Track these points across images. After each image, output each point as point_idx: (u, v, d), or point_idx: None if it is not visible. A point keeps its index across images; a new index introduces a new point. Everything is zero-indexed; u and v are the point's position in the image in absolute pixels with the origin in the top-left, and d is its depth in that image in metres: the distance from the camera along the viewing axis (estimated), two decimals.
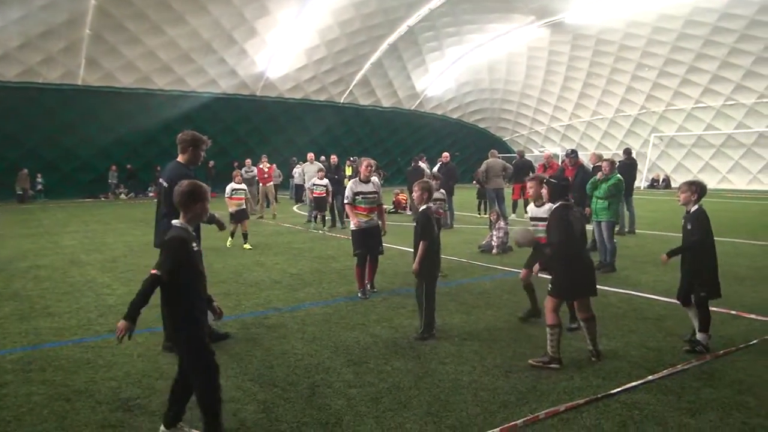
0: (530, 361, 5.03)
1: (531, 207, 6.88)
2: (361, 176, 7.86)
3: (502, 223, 11.46)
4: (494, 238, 11.31)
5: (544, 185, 5.81)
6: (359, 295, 7.63)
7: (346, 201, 7.88)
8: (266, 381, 4.73)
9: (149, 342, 5.72)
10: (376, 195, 7.82)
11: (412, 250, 6.07)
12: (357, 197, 7.71)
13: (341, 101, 36.96)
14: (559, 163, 14.62)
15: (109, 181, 30.34)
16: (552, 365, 4.93)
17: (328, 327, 6.27)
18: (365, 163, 7.99)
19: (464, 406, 4.22)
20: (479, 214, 18.52)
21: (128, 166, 30.62)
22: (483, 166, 15.01)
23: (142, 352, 5.44)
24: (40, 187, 28.26)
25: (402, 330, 6.14)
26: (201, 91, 31.26)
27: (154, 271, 3.34)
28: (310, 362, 5.17)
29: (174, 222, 3.71)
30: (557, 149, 37.00)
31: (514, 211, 17.38)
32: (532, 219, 6.73)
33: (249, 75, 31.61)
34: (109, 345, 5.67)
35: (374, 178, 8.01)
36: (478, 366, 5.04)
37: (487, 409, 4.18)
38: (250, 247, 11.81)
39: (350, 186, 7.87)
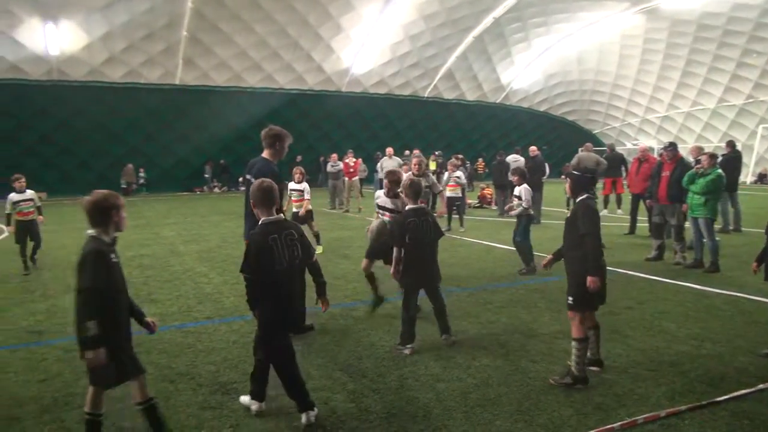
0: (551, 380, 4.54)
1: (381, 194, 6.93)
2: (414, 171, 8.34)
3: None
4: None
5: (567, 178, 5.32)
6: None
7: None
8: (355, 371, 4.81)
9: (243, 329, 5.96)
10: (426, 190, 8.35)
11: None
12: None
13: (425, 95, 36.85)
14: (656, 157, 13.91)
15: (205, 175, 31.89)
16: (577, 386, 4.42)
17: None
18: (415, 160, 8.49)
19: (556, 407, 4.11)
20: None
21: (221, 161, 32.01)
22: (574, 160, 14.52)
23: (237, 339, 5.68)
24: (142, 180, 30.10)
25: (489, 326, 6.06)
26: (289, 88, 32.13)
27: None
28: (397, 355, 5.21)
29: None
30: (653, 142, 35.19)
31: (605, 207, 16.69)
32: (380, 207, 6.87)
33: (335, 71, 32.17)
34: (207, 331, 5.96)
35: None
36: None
37: (581, 410, 4.04)
38: (321, 251, 10.23)
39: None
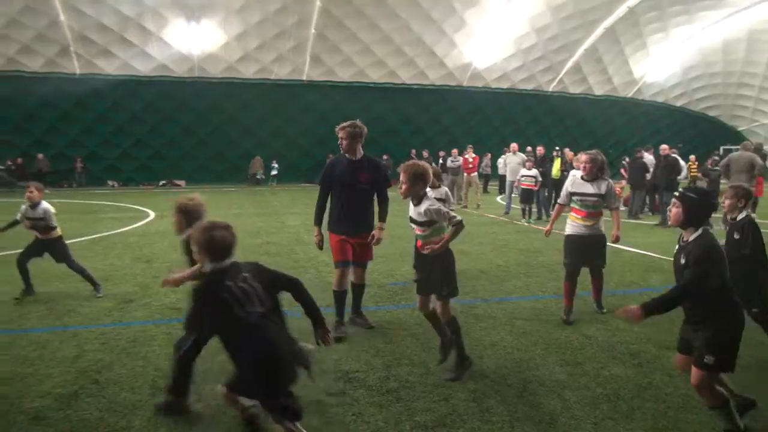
0: None
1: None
2: (584, 173, 6.27)
3: None
4: None
5: (678, 201, 3.54)
6: (562, 315, 6.14)
7: (559, 201, 6.69)
8: (476, 371, 4.70)
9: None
10: (597, 199, 6.19)
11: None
12: (573, 198, 6.33)
13: (550, 90, 35.56)
14: None
15: None
16: None
17: (538, 322, 6.05)
18: (585, 157, 6.28)
19: (699, 428, 3.76)
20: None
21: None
22: (725, 160, 13.33)
23: (358, 330, 5.78)
24: (275, 172, 31.34)
25: (619, 334, 5.69)
26: (410, 83, 32.34)
27: None
28: (520, 357, 5.03)
29: None
30: None
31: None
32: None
33: (456, 66, 31.91)
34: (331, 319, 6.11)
35: (609, 181, 6.58)
36: None
37: None
38: None
39: (567, 183, 6.53)
